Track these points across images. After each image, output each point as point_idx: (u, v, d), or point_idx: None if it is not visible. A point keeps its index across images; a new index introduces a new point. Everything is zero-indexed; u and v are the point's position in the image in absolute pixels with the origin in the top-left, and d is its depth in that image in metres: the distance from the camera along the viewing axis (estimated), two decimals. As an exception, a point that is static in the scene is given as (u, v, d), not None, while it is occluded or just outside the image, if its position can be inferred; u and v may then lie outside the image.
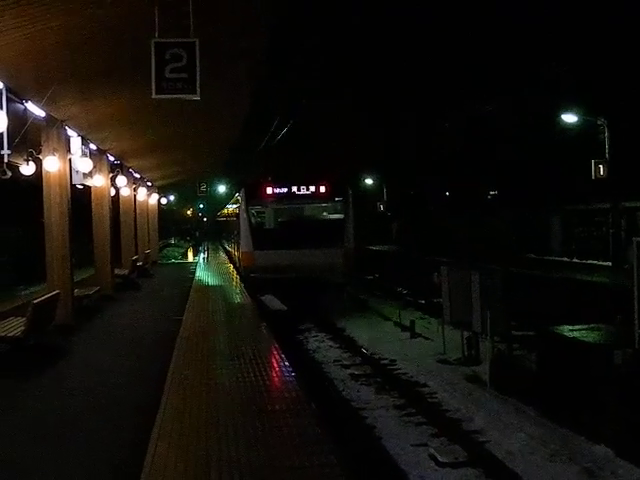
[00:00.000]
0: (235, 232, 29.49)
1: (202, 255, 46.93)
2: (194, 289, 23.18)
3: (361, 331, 21.06)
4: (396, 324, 21.90)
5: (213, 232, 78.94)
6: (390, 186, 51.14)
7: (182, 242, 72.49)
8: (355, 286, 27.48)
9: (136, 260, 26.86)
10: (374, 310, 25.16)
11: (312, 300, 23.55)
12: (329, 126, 44.25)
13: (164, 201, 44.26)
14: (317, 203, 25.50)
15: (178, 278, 28.21)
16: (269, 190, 24.51)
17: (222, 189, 68.97)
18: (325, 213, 25.84)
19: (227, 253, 45.27)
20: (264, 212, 25.27)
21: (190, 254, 51.06)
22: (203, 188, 45.89)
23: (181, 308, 17.90)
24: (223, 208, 52.83)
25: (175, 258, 44.85)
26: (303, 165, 37.70)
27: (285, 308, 23.79)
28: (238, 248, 27.10)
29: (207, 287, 24.30)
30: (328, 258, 23.09)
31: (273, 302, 24.21)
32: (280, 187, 24.54)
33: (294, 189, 24.52)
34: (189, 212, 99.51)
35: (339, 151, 44.11)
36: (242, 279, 25.59)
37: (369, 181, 52.71)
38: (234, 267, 32.14)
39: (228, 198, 53.08)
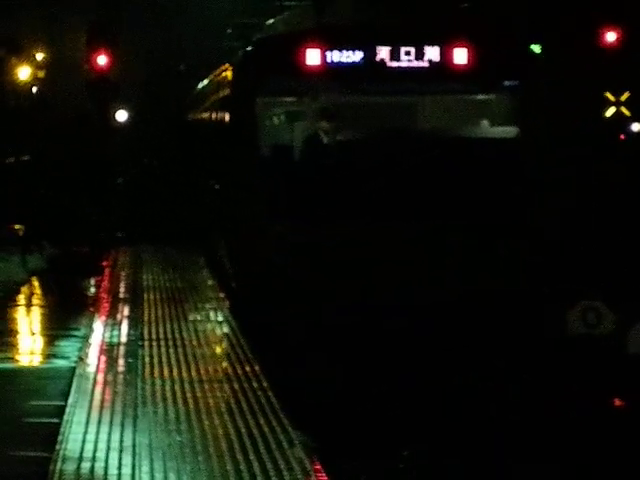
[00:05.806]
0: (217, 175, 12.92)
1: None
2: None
3: None
4: None
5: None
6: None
7: None
8: None
9: None
10: None
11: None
12: None
13: None
14: (452, 91, 11.12)
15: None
16: (312, 54, 10.45)
17: None
18: (482, 121, 11.24)
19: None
20: (299, 116, 11.03)
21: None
22: None
23: None
24: None
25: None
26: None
27: None
28: (226, 224, 11.65)
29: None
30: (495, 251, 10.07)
31: None
32: (344, 45, 10.56)
33: (382, 53, 10.56)
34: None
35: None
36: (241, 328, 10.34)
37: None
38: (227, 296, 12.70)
39: None
